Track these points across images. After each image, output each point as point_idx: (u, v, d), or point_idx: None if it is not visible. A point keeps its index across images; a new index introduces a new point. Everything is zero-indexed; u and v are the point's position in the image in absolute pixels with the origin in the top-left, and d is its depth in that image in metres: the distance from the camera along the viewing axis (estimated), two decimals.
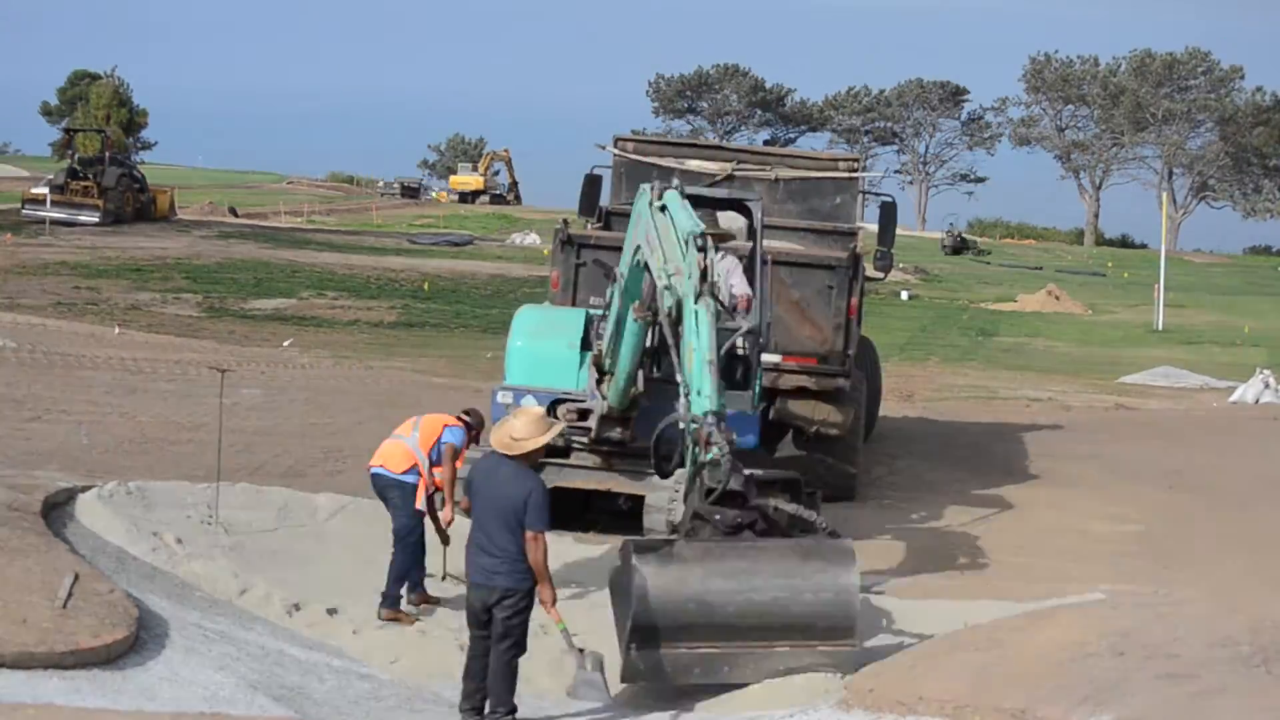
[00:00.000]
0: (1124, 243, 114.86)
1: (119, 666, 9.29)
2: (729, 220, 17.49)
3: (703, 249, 10.76)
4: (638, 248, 12.00)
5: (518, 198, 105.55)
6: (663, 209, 11.51)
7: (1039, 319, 53.77)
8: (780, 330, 17.08)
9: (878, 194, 20.30)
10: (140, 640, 9.69)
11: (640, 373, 13.19)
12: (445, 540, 12.10)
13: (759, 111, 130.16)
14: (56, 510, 12.23)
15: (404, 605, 11.61)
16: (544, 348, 14.30)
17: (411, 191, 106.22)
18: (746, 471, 10.54)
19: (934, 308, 55.05)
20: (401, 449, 11.89)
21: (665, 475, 12.22)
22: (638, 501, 13.97)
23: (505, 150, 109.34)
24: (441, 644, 11.01)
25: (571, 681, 10.18)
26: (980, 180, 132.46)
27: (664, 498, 13.64)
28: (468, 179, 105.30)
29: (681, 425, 10.62)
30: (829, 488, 16.34)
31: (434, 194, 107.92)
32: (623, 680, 10.02)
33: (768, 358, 16.91)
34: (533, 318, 14.95)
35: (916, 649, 10.28)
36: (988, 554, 15.02)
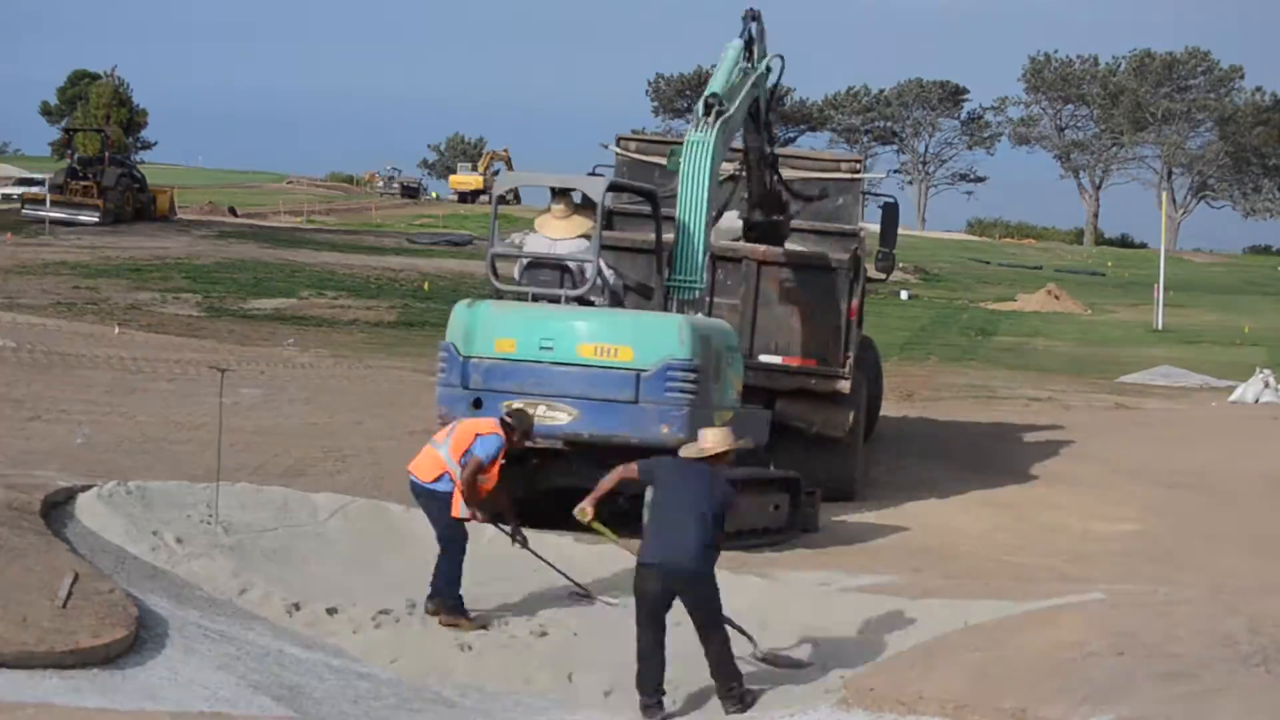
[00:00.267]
0: (1124, 242, 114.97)
1: (119, 666, 9.29)
2: (729, 220, 17.52)
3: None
4: None
5: (517, 197, 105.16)
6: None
7: (1039, 319, 53.79)
8: (781, 331, 17.08)
9: (879, 195, 20.30)
10: (140, 640, 9.69)
11: None
12: (518, 539, 11.78)
13: None
14: (56, 510, 12.22)
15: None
16: None
17: (411, 191, 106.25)
18: None
19: (934, 307, 55.06)
20: (432, 457, 11.59)
21: None
22: (637, 501, 13.97)
23: (505, 150, 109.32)
24: (441, 644, 11.00)
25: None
26: (980, 180, 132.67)
27: None
28: (467, 179, 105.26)
29: None
30: (829, 488, 16.36)
31: (432, 194, 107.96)
32: None
33: (768, 359, 16.95)
34: None
35: (916, 649, 10.28)
36: (988, 554, 15.01)
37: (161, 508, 12.76)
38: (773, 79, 16.77)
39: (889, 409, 23.35)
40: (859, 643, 11.03)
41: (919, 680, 9.02)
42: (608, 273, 15.01)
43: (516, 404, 12.92)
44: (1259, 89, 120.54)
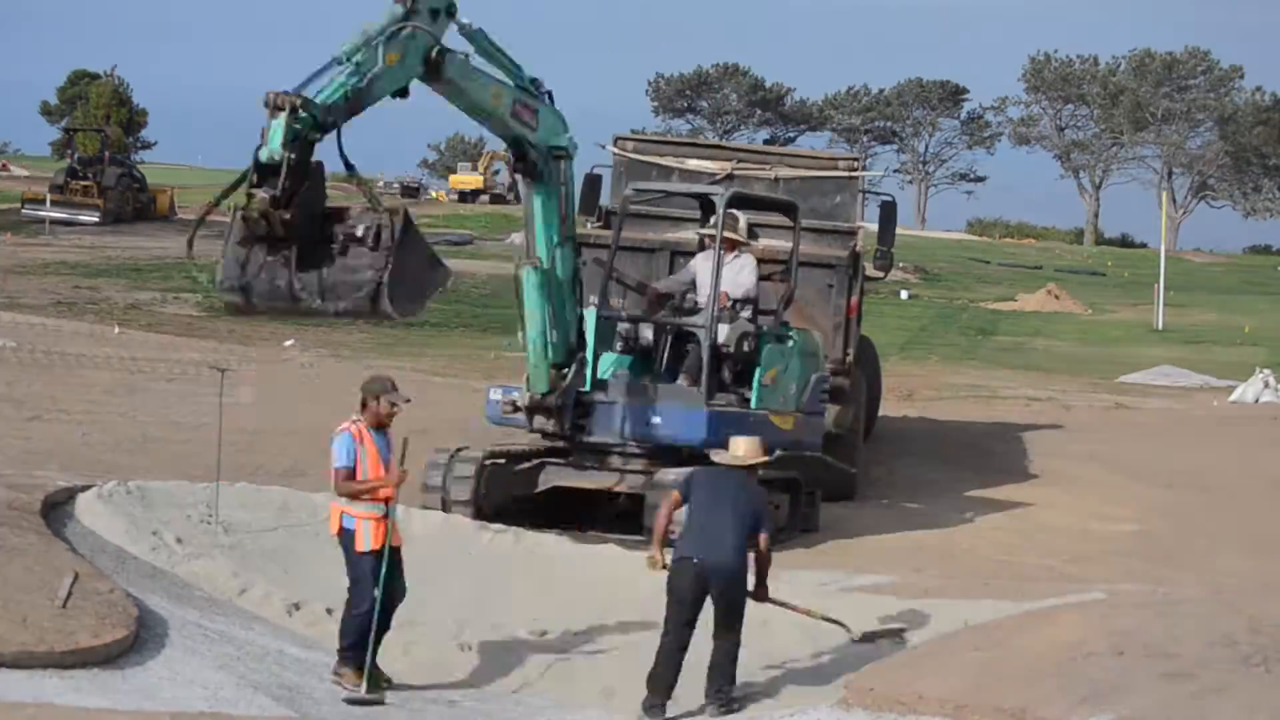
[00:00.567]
0: (1124, 242, 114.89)
1: (119, 666, 9.29)
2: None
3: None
4: None
5: (517, 197, 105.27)
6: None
7: (1039, 318, 53.76)
8: None
9: (878, 193, 20.32)
10: (140, 640, 9.69)
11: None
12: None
13: (759, 111, 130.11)
14: (56, 510, 12.22)
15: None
16: None
17: (411, 191, 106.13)
18: None
19: (934, 307, 55.05)
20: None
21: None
22: (638, 501, 14.00)
23: (505, 150, 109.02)
24: (441, 644, 11.00)
25: None
26: (980, 180, 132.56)
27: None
28: (467, 178, 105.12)
29: None
30: (829, 487, 16.35)
31: (432, 194, 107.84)
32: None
33: None
34: None
35: (916, 649, 10.29)
36: (988, 554, 15.01)
37: (161, 508, 12.76)
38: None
39: (889, 409, 23.35)
40: (859, 643, 11.03)
41: (919, 680, 9.02)
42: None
43: None
44: (1259, 89, 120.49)
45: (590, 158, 18.86)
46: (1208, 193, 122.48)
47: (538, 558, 12.75)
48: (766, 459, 10.50)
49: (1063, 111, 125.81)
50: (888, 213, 19.37)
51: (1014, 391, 31.31)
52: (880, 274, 19.77)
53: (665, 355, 14.60)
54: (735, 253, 14.86)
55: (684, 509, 10.14)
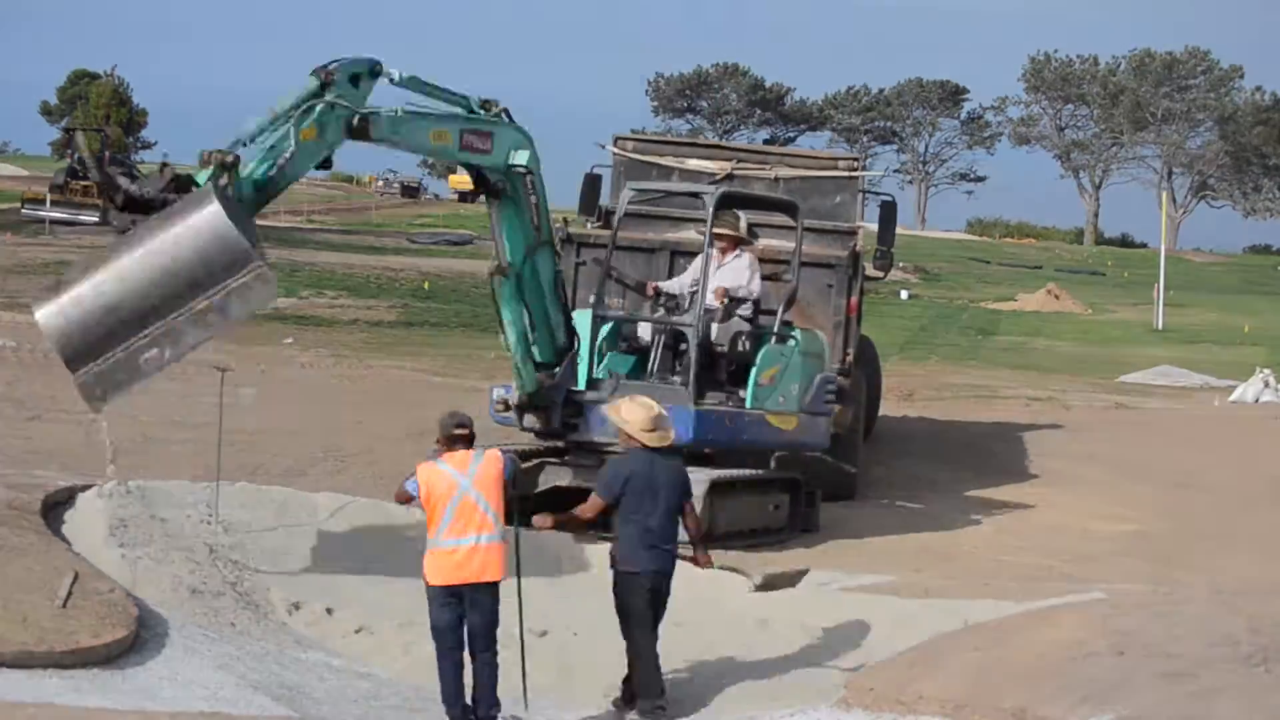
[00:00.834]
0: (1124, 242, 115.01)
1: (119, 666, 9.29)
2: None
3: None
4: None
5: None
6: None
7: (1039, 318, 53.79)
8: None
9: (878, 193, 20.31)
10: (140, 640, 9.69)
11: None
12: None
13: (758, 111, 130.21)
14: (56, 510, 12.22)
15: None
16: None
17: (411, 191, 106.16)
18: None
19: (934, 307, 55.06)
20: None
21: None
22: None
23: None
24: None
25: None
26: (980, 179, 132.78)
27: None
28: (467, 178, 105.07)
29: None
30: (829, 487, 16.34)
31: (431, 194, 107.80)
32: (86, 400, 10.54)
33: None
34: None
35: (916, 649, 10.28)
36: (988, 554, 15.01)
37: (161, 508, 12.75)
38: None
39: (889, 409, 23.35)
40: (859, 643, 11.03)
41: (919, 680, 9.02)
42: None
43: None
44: (1259, 89, 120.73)
45: (590, 157, 18.88)
46: (1208, 192, 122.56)
47: (538, 558, 12.74)
48: (670, 438, 10.03)
49: (1063, 111, 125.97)
50: (888, 213, 19.37)
51: (1014, 391, 31.32)
52: (880, 274, 19.78)
53: (659, 354, 14.62)
54: (736, 251, 14.87)
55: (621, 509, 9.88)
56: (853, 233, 18.05)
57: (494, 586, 9.38)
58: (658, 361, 14.59)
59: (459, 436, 9.49)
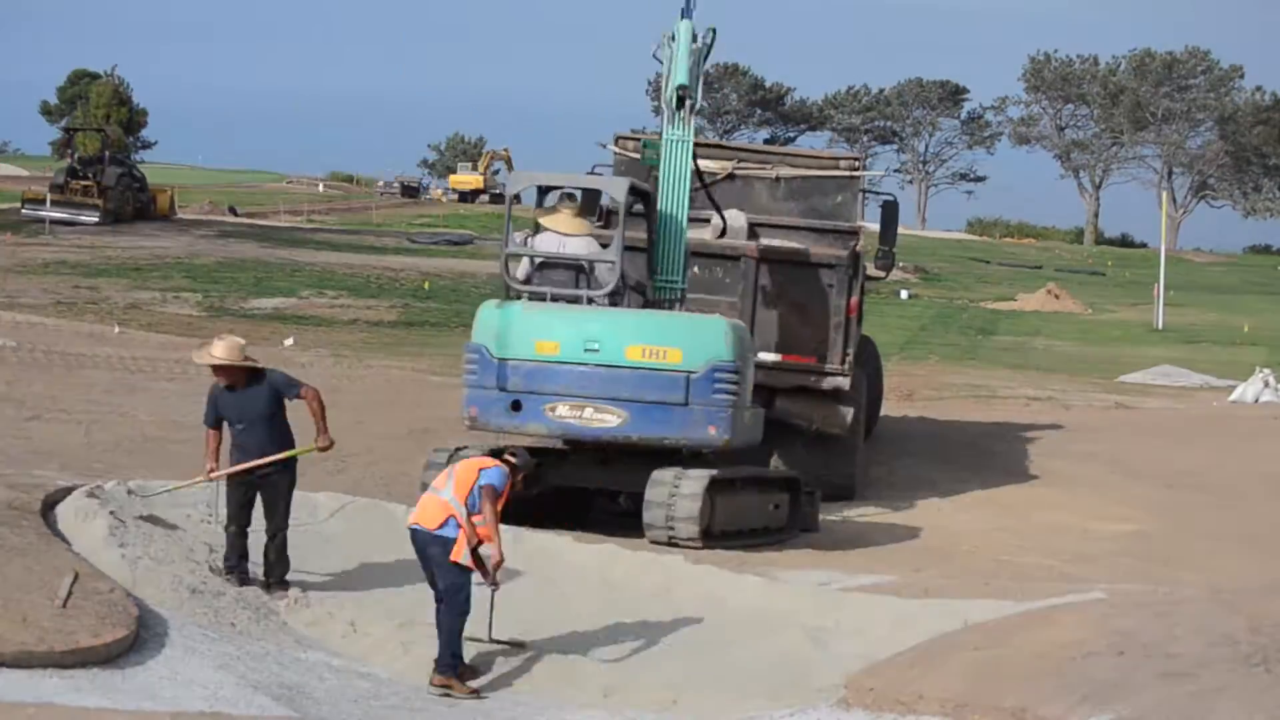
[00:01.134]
0: (1124, 242, 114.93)
1: (119, 666, 9.30)
2: (733, 218, 17.53)
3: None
4: None
5: (517, 197, 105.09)
6: None
7: (1039, 318, 53.76)
8: (780, 329, 17.09)
9: (879, 193, 20.32)
10: (140, 640, 9.69)
11: None
12: (493, 584, 10.67)
13: (759, 111, 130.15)
14: (56, 509, 12.21)
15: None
16: None
17: (411, 191, 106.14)
18: None
19: (934, 307, 55.06)
20: (437, 503, 10.64)
21: None
22: (638, 500, 14.00)
23: (505, 149, 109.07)
24: None
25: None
26: (980, 179, 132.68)
27: (663, 493, 13.68)
28: (467, 178, 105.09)
29: None
30: (829, 487, 16.36)
31: (432, 192, 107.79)
32: None
33: (766, 356, 16.95)
34: None
35: (916, 649, 10.28)
36: (988, 554, 15.02)
37: (162, 507, 12.75)
38: (711, 54, 16.00)
39: (889, 409, 23.35)
40: (859, 643, 11.03)
41: (919, 680, 9.01)
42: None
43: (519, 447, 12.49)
44: (1259, 89, 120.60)
45: (590, 157, 18.87)
46: (1208, 192, 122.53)
47: (538, 558, 12.74)
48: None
49: (1063, 111, 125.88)
50: (890, 212, 19.37)
51: (1014, 391, 31.32)
52: (882, 274, 19.79)
53: None
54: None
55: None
56: (854, 233, 18.05)
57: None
58: None
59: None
